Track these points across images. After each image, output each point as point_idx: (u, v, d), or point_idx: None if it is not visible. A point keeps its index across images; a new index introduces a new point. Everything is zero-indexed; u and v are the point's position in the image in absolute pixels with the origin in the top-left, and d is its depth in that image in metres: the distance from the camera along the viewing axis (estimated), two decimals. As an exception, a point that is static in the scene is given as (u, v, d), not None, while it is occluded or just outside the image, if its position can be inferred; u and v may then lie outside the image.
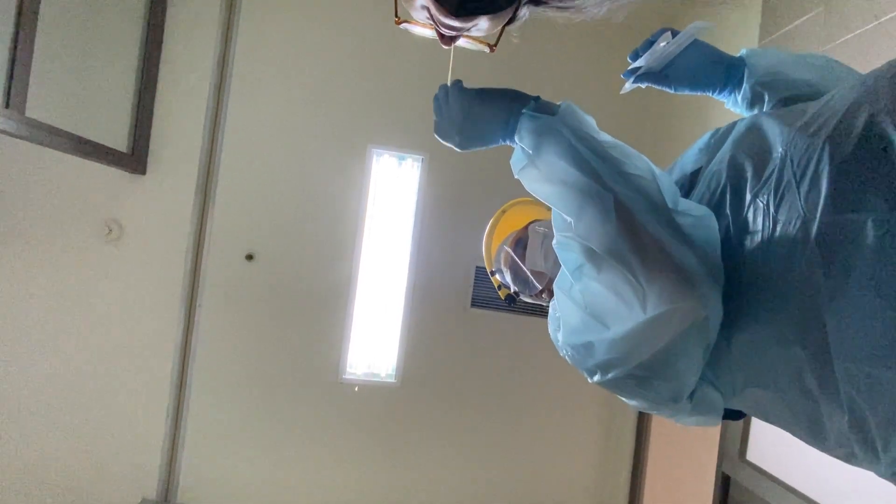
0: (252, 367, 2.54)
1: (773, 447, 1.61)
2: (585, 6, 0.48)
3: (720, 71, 0.73)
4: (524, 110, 0.63)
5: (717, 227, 0.54)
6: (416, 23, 0.58)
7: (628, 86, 0.77)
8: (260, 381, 2.54)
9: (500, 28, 0.57)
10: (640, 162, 0.58)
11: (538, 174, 0.59)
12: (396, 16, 0.59)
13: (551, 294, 0.76)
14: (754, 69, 0.70)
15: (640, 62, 0.72)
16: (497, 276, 0.97)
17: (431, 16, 0.54)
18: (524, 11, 0.56)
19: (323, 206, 2.57)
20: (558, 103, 0.64)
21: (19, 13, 1.62)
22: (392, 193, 2.64)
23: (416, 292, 2.62)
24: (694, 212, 0.54)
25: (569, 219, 0.56)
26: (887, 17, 1.28)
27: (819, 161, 0.46)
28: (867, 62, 1.36)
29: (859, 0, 1.39)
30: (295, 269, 2.56)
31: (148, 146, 2.41)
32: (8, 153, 2.34)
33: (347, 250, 2.57)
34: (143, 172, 2.41)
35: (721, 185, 0.56)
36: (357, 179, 2.58)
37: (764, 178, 0.51)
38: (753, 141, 0.56)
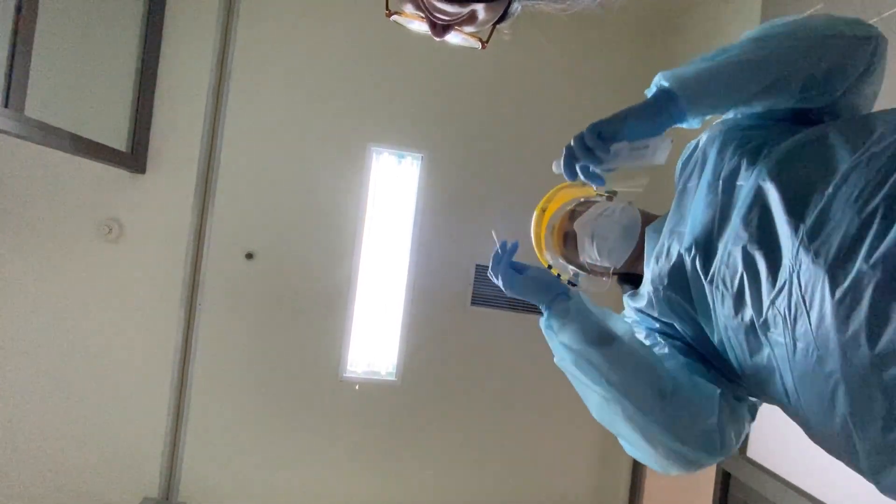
0: (252, 366, 2.54)
1: (774, 444, 1.61)
2: None
3: (668, 124, 0.69)
4: (545, 307, 0.79)
5: (713, 412, 0.64)
6: (407, 14, 0.56)
7: (557, 169, 0.76)
8: (260, 379, 2.54)
9: (492, 22, 0.56)
10: (640, 356, 0.69)
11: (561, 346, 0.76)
12: (387, 8, 0.58)
13: (616, 274, 0.89)
14: (690, 107, 0.66)
15: (602, 166, 0.71)
16: (556, 269, 1.00)
17: (423, 3, 0.52)
18: (516, 5, 0.55)
19: (323, 205, 2.56)
20: (569, 299, 0.77)
21: (18, 11, 1.61)
22: (392, 191, 2.64)
23: (417, 290, 2.62)
24: (693, 397, 0.65)
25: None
26: (889, 12, 1.28)
27: (822, 296, 0.47)
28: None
29: None
30: (295, 268, 2.56)
31: (147, 145, 2.41)
32: (7, 152, 2.33)
33: (347, 248, 2.57)
34: (143, 171, 2.40)
35: (739, 276, 0.57)
36: (357, 178, 2.57)
37: (777, 288, 0.52)
38: (762, 226, 0.56)
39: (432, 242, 2.63)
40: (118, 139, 2.26)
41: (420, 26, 0.58)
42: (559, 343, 0.75)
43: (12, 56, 1.60)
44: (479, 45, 0.60)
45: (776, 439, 1.60)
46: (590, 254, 0.87)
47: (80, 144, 1.99)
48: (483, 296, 2.67)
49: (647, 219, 0.83)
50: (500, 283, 0.88)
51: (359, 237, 2.58)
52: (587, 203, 0.91)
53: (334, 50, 2.54)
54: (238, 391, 2.53)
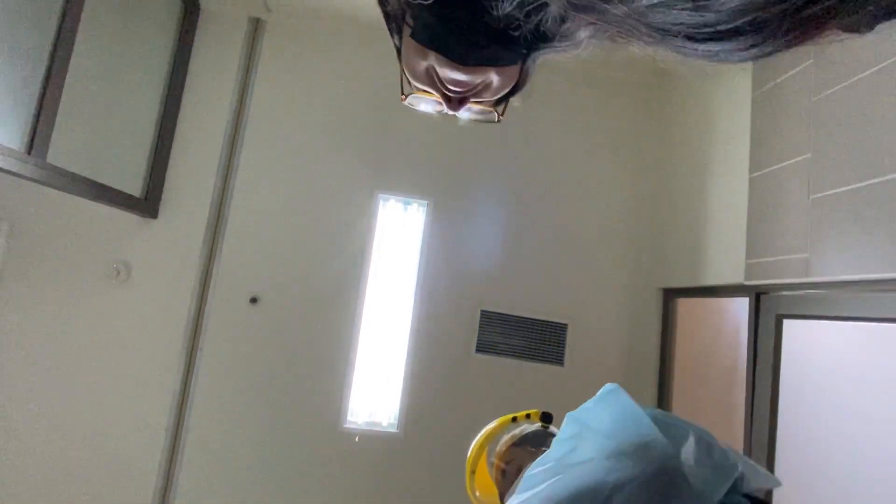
0: (251, 414, 2.47)
1: (798, 500, 1.51)
2: (582, 38, 0.47)
3: None
4: None
5: None
6: (422, 92, 0.57)
7: None
8: (258, 427, 2.46)
9: (506, 90, 0.56)
10: None
11: None
12: (402, 93, 0.59)
13: None
14: None
15: None
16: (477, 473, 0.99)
17: (437, 77, 0.53)
18: (531, 63, 0.56)
19: (328, 251, 2.59)
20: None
21: (51, 63, 1.72)
22: (397, 238, 2.67)
23: (420, 337, 2.58)
24: None
25: None
26: (888, 61, 1.30)
27: None
28: (863, 113, 1.40)
29: (853, 47, 1.43)
30: (298, 313, 2.54)
31: (161, 191, 2.48)
32: (25, 195, 2.41)
33: (352, 294, 2.57)
34: (155, 216, 2.47)
35: None
36: (363, 224, 2.61)
37: None
38: None
39: (437, 289, 2.62)
40: (134, 185, 2.34)
41: (432, 106, 0.59)
42: None
43: (40, 106, 1.69)
44: (494, 116, 0.60)
45: (800, 496, 1.50)
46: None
47: (98, 190, 2.06)
48: (488, 343, 2.62)
49: None
50: None
51: (363, 283, 2.58)
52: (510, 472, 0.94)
53: (344, 101, 2.67)
54: (235, 438, 2.45)
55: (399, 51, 0.60)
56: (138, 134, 2.37)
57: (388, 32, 0.61)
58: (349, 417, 2.52)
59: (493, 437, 1.04)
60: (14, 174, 1.62)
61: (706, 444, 0.60)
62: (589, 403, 0.67)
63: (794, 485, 1.54)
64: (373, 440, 2.51)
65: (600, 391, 0.69)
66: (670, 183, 2.60)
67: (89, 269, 2.42)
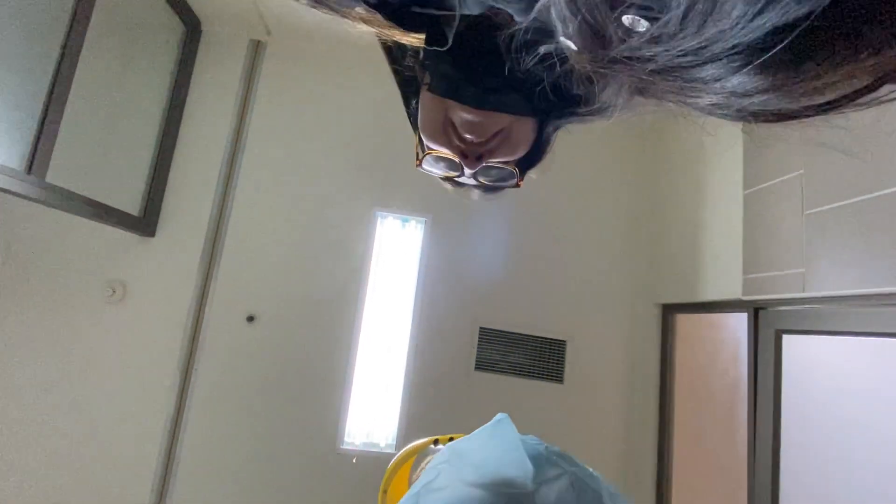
0: (247, 434, 2.42)
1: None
2: (610, 106, 0.42)
3: None
4: None
5: None
6: (439, 152, 0.55)
7: None
8: (254, 447, 2.41)
9: (526, 147, 0.55)
10: None
11: None
12: (418, 159, 0.58)
13: None
14: None
15: None
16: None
17: (454, 133, 0.52)
18: (552, 135, 0.54)
19: (327, 268, 2.58)
20: None
21: (53, 82, 1.73)
22: (396, 255, 2.67)
23: (419, 355, 2.56)
24: None
25: None
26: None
27: None
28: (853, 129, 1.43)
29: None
30: (295, 332, 2.52)
31: (160, 210, 2.48)
32: (22, 213, 2.41)
33: (349, 312, 2.55)
34: (153, 235, 2.46)
35: None
36: (361, 241, 2.62)
37: None
38: None
39: (435, 306, 2.61)
40: (132, 204, 2.34)
41: (448, 169, 0.57)
42: None
43: (41, 126, 1.70)
44: (513, 177, 0.57)
45: (807, 501, 1.48)
46: None
47: (96, 209, 2.05)
48: (487, 360, 2.60)
49: None
50: None
51: (361, 301, 2.57)
52: None
53: (343, 120, 2.70)
54: (230, 458, 2.39)
55: (414, 118, 0.59)
56: (138, 153, 2.38)
57: (400, 96, 0.61)
58: (346, 438, 2.48)
59: (414, 457, 1.02)
60: (13, 193, 1.62)
61: (580, 489, 0.57)
62: (474, 432, 0.66)
63: (799, 499, 1.52)
64: (370, 461, 2.46)
65: (491, 421, 0.67)
66: (667, 200, 2.63)
67: (85, 287, 2.40)
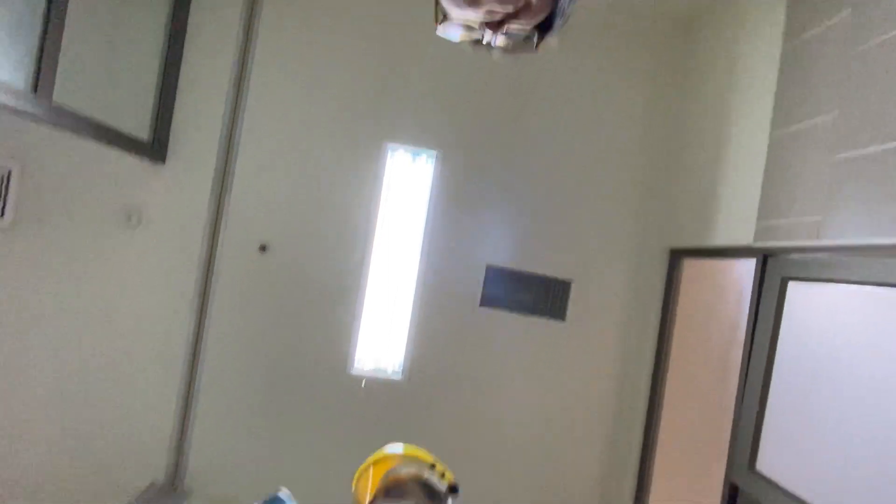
0: (261, 357, 2.57)
1: (784, 458, 1.58)
2: None
3: None
4: None
5: None
6: (457, 18, 0.55)
7: None
8: (268, 370, 2.57)
9: (544, 12, 0.56)
10: None
11: None
12: (436, 21, 0.58)
13: None
14: None
15: None
16: None
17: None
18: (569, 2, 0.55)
19: (337, 200, 2.59)
20: None
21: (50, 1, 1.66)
22: (405, 189, 2.66)
23: (426, 289, 2.63)
24: None
25: None
26: None
27: None
28: None
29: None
30: (307, 262, 2.59)
31: (168, 136, 2.46)
32: (32, 138, 2.41)
33: (359, 244, 2.59)
34: (163, 161, 2.46)
35: None
36: (371, 174, 2.60)
37: None
38: None
39: (443, 242, 2.64)
40: (140, 129, 2.32)
41: (466, 33, 0.57)
42: None
43: (43, 42, 1.65)
44: (532, 41, 0.59)
45: (786, 453, 1.57)
46: None
47: (105, 133, 2.04)
48: (492, 297, 2.66)
49: None
50: None
51: (371, 234, 2.60)
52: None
53: (353, 48, 2.58)
54: (246, 381, 2.57)
55: None
56: (143, 77, 2.32)
57: None
58: (356, 364, 2.63)
59: (408, 459, 1.08)
60: (21, 113, 1.61)
61: None
62: None
63: (781, 443, 1.61)
64: (378, 386, 2.62)
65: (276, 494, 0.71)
66: (686, 137, 2.53)
67: (101, 214, 2.45)
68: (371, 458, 1.08)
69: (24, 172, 2.41)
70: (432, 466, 1.04)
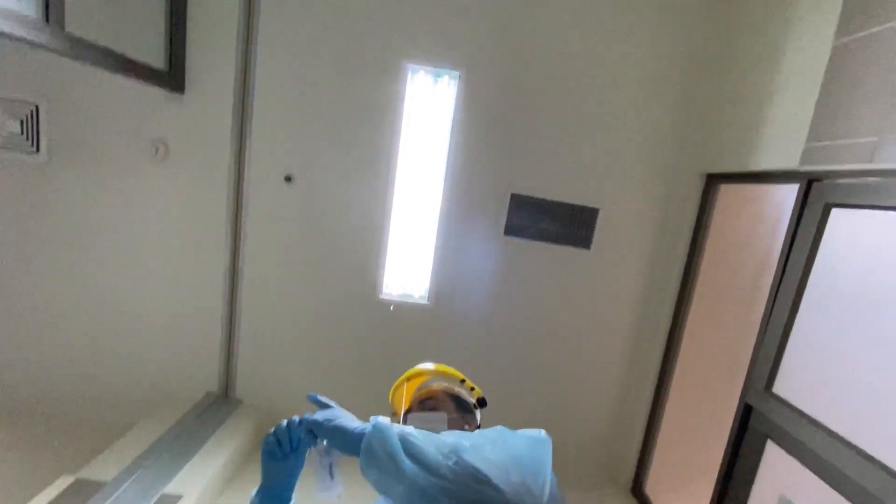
0: (294, 284, 2.70)
1: (804, 383, 1.60)
2: None
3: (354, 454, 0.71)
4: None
5: None
6: None
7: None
8: (302, 296, 2.72)
9: None
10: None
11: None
12: None
13: None
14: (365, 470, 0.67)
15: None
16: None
17: None
18: None
19: (358, 127, 2.53)
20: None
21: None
22: (427, 113, 2.56)
23: (450, 217, 2.63)
24: None
25: None
26: None
27: None
28: None
29: None
30: (331, 192, 2.60)
31: (184, 64, 2.40)
32: (54, 73, 2.40)
33: (382, 172, 2.57)
34: (182, 91, 2.43)
35: None
36: (392, 98, 2.50)
37: None
38: None
39: (467, 169, 2.58)
40: (156, 60, 2.27)
41: None
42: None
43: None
44: None
45: (807, 379, 1.59)
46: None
47: (123, 63, 2.01)
48: (517, 226, 2.64)
49: None
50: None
51: (394, 161, 2.56)
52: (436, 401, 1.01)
53: (367, -45, 2.35)
54: (282, 306, 2.73)
55: None
56: (152, 4, 2.21)
57: None
58: (384, 290, 2.73)
59: (440, 375, 1.15)
60: (36, 45, 1.59)
61: None
62: (520, 434, 0.70)
63: (802, 369, 1.62)
64: (406, 310, 2.74)
65: (535, 433, 0.71)
66: (734, 49, 2.28)
67: (129, 148, 2.49)
68: (406, 374, 1.17)
69: (50, 109, 2.44)
70: (462, 381, 1.12)
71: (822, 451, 1.43)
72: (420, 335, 2.75)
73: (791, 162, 1.75)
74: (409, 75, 2.49)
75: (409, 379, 1.15)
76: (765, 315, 1.83)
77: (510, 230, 2.65)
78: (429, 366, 1.18)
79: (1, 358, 2.70)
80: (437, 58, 2.46)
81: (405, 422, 0.98)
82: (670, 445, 2.53)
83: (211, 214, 2.58)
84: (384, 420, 0.67)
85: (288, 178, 2.58)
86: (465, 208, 2.62)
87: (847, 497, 1.34)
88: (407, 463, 0.62)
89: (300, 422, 0.77)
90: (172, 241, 2.61)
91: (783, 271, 1.76)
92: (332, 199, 2.61)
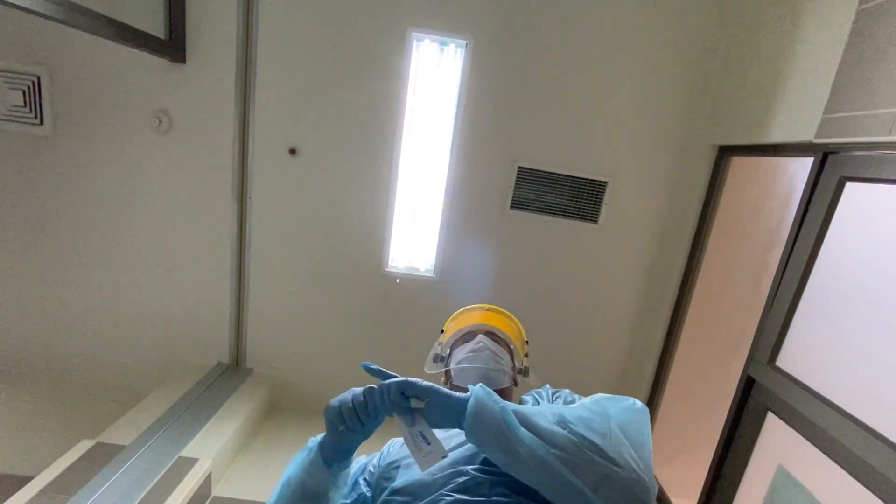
0: (300, 256, 2.72)
1: (809, 358, 1.61)
2: None
3: (458, 426, 0.70)
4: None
5: None
6: None
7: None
8: (308, 269, 2.74)
9: None
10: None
11: None
12: None
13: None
14: (473, 436, 0.67)
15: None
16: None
17: None
18: None
19: (362, 97, 2.49)
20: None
21: None
22: (433, 83, 2.50)
23: (456, 191, 2.61)
24: None
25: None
26: None
27: None
28: None
29: None
30: (337, 165, 2.58)
31: (185, 33, 2.35)
32: (54, 42, 2.36)
33: (387, 144, 2.54)
34: (184, 61, 2.38)
35: None
36: (396, 67, 2.44)
37: None
38: None
39: (473, 141, 2.54)
40: (156, 27, 2.22)
41: None
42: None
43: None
44: None
45: (812, 353, 1.59)
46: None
47: (122, 30, 1.97)
48: (523, 200, 2.62)
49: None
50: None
51: (399, 133, 2.53)
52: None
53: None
54: (289, 278, 2.76)
55: None
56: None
57: None
58: (390, 263, 2.74)
59: (514, 326, 1.18)
60: (34, 13, 1.55)
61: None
62: (623, 403, 0.72)
63: (807, 343, 1.62)
64: (412, 283, 2.76)
65: (631, 403, 0.73)
66: (749, 22, 2.19)
67: (131, 117, 2.47)
68: (458, 311, 1.23)
69: (52, 79, 2.41)
70: (527, 342, 1.17)
71: (823, 423, 1.45)
72: (426, 308, 2.78)
73: (807, 133, 1.70)
74: (415, 44, 2.43)
75: (458, 315, 1.18)
76: (772, 289, 1.83)
77: (517, 204, 2.63)
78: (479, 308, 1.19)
79: (21, 327, 2.77)
80: (444, 26, 2.39)
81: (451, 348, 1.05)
82: (673, 416, 2.58)
83: (217, 187, 2.58)
84: (483, 388, 0.69)
85: (293, 151, 2.56)
86: (472, 181, 2.60)
87: (847, 469, 1.37)
88: (523, 430, 0.62)
89: (388, 387, 0.70)
90: (179, 214, 2.62)
91: (793, 245, 1.74)
92: (338, 172, 2.59)
